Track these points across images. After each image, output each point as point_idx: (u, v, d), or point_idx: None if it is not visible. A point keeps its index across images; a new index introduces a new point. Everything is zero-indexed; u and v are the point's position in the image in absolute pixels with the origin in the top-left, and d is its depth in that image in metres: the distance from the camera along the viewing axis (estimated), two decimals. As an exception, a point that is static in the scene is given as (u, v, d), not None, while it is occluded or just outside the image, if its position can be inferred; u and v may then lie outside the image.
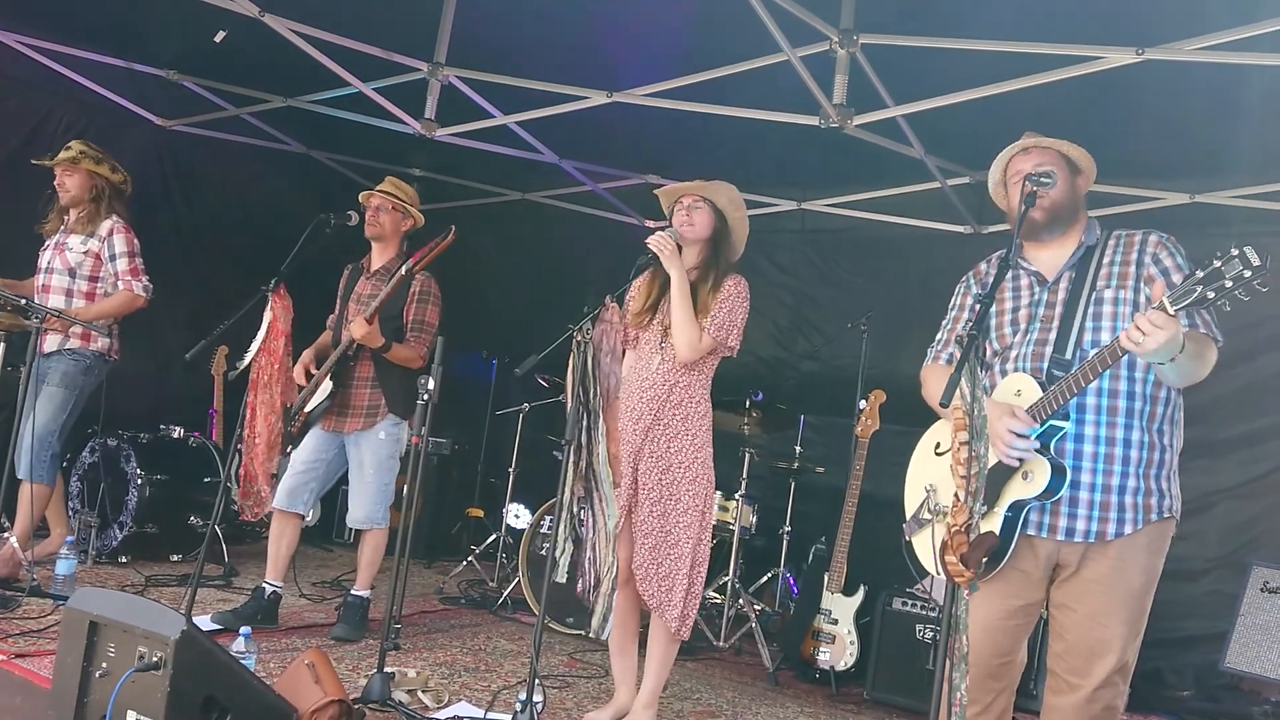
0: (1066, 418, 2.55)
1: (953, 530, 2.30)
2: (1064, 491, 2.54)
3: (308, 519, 6.51)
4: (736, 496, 5.27)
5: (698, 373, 3.64)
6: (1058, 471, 2.53)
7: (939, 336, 2.97)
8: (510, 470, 6.13)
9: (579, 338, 3.14)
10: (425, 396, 3.42)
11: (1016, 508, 2.59)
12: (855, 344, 5.68)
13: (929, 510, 2.80)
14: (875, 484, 4.98)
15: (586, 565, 3.22)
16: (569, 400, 3.13)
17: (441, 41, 5.00)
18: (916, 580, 4.61)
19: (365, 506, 4.39)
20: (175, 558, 5.39)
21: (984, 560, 2.30)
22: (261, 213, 6.90)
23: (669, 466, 3.54)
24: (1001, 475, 2.59)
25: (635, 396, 3.59)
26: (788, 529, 5.52)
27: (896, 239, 6.20)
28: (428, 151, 7.21)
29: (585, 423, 3.11)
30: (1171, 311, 2.24)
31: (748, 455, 5.39)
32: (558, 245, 7.48)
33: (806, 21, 3.97)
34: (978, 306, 2.35)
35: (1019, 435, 2.51)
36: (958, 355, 2.92)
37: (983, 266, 2.92)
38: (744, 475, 5.34)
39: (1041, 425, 2.52)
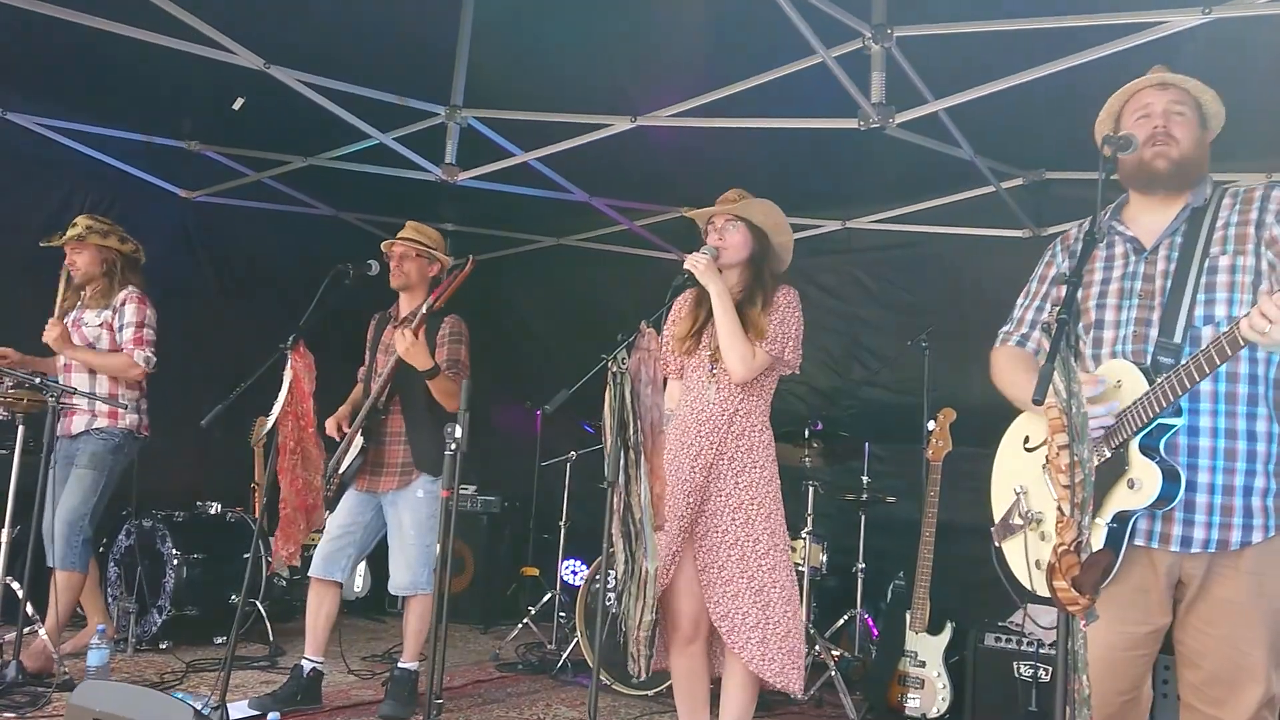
0: (1179, 414, 2.19)
1: (1060, 551, 1.96)
2: (1181, 495, 2.18)
3: (358, 589, 6.36)
4: (803, 534, 4.91)
5: (757, 397, 3.35)
6: (1170, 477, 2.16)
7: (1013, 315, 2.63)
8: (561, 524, 5.83)
9: (614, 369, 2.86)
10: (453, 446, 3.14)
11: (1121, 519, 2.23)
12: (916, 364, 5.36)
13: (1019, 515, 2.44)
14: (953, 511, 4.63)
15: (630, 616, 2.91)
16: (607, 439, 2.84)
17: (457, 83, 4.83)
18: (1015, 606, 4.20)
19: (408, 571, 4.12)
20: (219, 640, 5.15)
21: (1101, 584, 1.96)
22: (292, 279, 6.71)
23: (740, 504, 3.24)
24: (1104, 480, 2.23)
25: (692, 432, 3.30)
26: (862, 566, 5.16)
27: (948, 250, 5.86)
28: (458, 204, 7.10)
29: (625, 460, 2.81)
30: None
31: (811, 489, 5.05)
32: (597, 288, 7.24)
33: (837, 19, 3.72)
34: (1063, 287, 2.02)
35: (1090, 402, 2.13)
36: (1034, 340, 2.60)
37: (1073, 232, 2.55)
38: (809, 511, 4.99)
39: (1149, 424, 2.17)
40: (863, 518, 5.22)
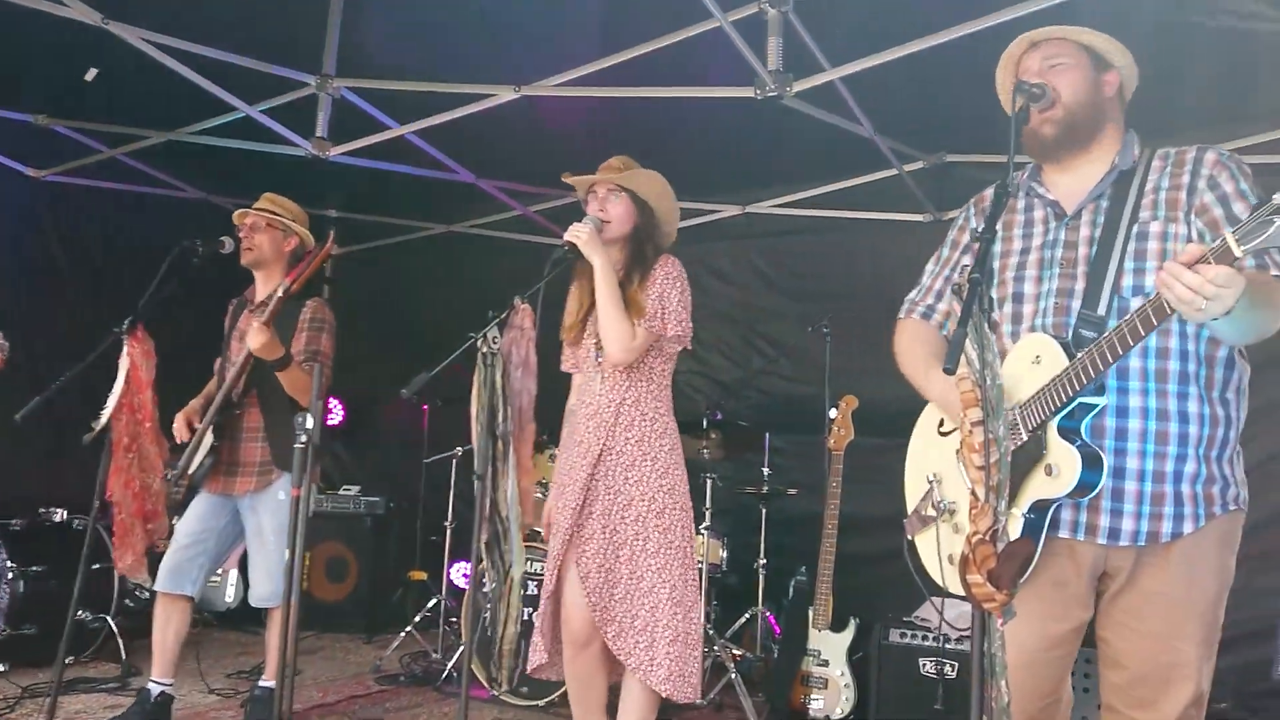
0: (1101, 392, 1.98)
1: (974, 540, 1.73)
2: (1104, 483, 1.98)
3: (229, 600, 5.90)
4: (702, 530, 4.67)
5: (647, 382, 3.08)
6: (1090, 463, 1.95)
7: (921, 281, 2.41)
8: (447, 525, 5.49)
9: (484, 349, 2.56)
10: (303, 439, 2.79)
11: (1039, 508, 2.02)
12: (817, 353, 5.19)
13: (933, 506, 2.23)
14: (856, 502, 4.47)
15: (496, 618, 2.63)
16: (474, 425, 2.54)
17: (329, 49, 4.46)
18: (922, 600, 4.03)
19: (269, 581, 3.73)
20: (71, 660, 4.67)
21: (1020, 578, 1.74)
22: (156, 268, 6.24)
23: (630, 501, 2.99)
24: (1021, 466, 2.02)
25: (582, 428, 3.06)
26: (763, 562, 4.94)
27: (849, 235, 5.70)
28: (342, 188, 6.69)
29: (493, 452, 2.52)
30: (1239, 254, 1.65)
31: (710, 483, 4.81)
32: (491, 278, 6.83)
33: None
34: (976, 245, 1.80)
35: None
36: (941, 311, 2.38)
37: (988, 193, 2.34)
38: (708, 506, 4.76)
39: (1068, 403, 1.96)
40: (763, 512, 5.01)
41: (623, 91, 4.08)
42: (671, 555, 3.01)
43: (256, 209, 3.97)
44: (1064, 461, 1.97)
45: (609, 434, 3.02)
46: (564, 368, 3.27)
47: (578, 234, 2.95)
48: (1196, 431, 2.01)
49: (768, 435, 5.14)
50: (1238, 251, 1.65)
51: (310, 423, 2.76)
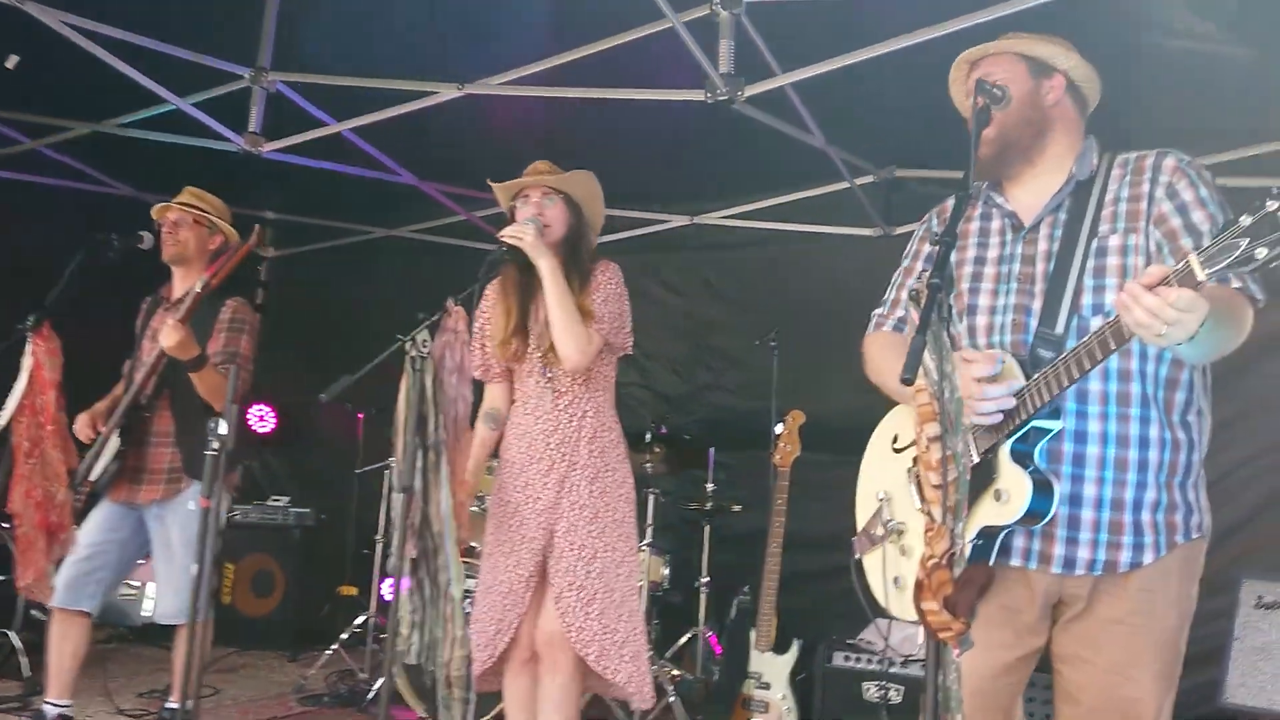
0: (1057, 415, 1.88)
1: (930, 565, 1.61)
2: (1057, 510, 1.87)
3: (145, 613, 5.60)
4: (643, 547, 4.53)
5: (604, 391, 3.03)
6: (1041, 490, 1.84)
7: (886, 295, 2.31)
8: (379, 538, 5.28)
9: (413, 352, 2.40)
10: (215, 445, 2.60)
11: (987, 535, 1.90)
12: (764, 367, 5.08)
13: (881, 525, 2.11)
14: (802, 520, 4.36)
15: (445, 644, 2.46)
16: (401, 435, 2.38)
17: (265, 41, 4.28)
18: (866, 621, 3.93)
19: (176, 596, 3.48)
20: (-31, 677, 4.39)
21: (977, 605, 1.62)
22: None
23: (596, 514, 2.91)
24: (970, 490, 1.90)
25: (540, 444, 2.94)
26: (705, 580, 4.80)
27: (799, 248, 5.63)
28: (280, 189, 6.48)
29: (424, 463, 2.36)
30: (1203, 278, 1.53)
31: (652, 498, 4.68)
32: (433, 285, 6.63)
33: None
34: (937, 249, 1.69)
35: (985, 383, 1.84)
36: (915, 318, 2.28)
37: (949, 202, 2.22)
38: (650, 522, 4.63)
39: (1022, 426, 1.86)
40: (707, 529, 4.88)
41: (570, 92, 3.95)
42: (632, 564, 3.00)
43: (179, 204, 3.77)
44: (1014, 487, 1.85)
45: (574, 449, 2.93)
46: (477, 374, 3.11)
47: (521, 234, 2.81)
48: (1158, 457, 1.91)
49: (712, 450, 5.03)
50: (1201, 275, 1.54)
51: (224, 428, 2.58)
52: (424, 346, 2.39)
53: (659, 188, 5.64)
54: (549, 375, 2.95)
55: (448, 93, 4.12)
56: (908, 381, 1.47)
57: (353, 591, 5.93)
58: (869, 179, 5.15)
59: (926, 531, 1.63)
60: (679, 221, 5.90)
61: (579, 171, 3.06)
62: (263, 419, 6.67)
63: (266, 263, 7.18)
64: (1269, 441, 4.18)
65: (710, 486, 4.94)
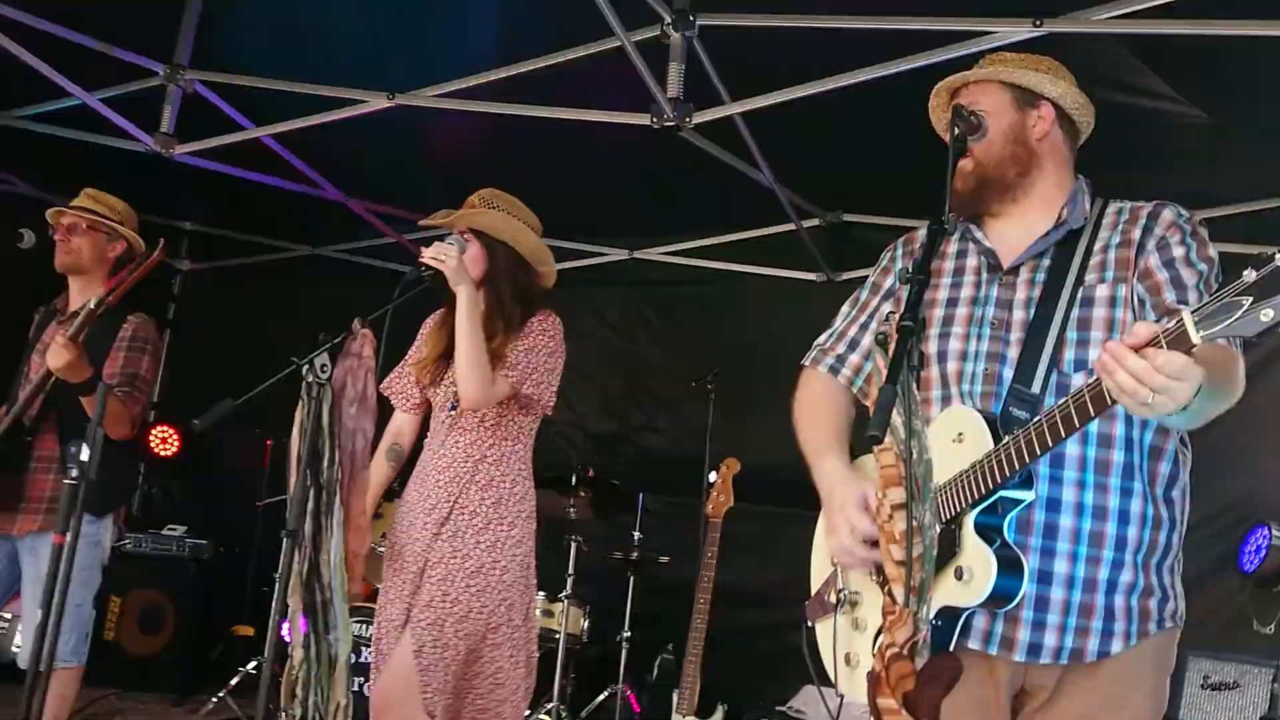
0: (1029, 484, 1.66)
1: (888, 653, 1.38)
2: (1025, 590, 1.66)
3: (16, 645, 5.16)
4: (562, 597, 4.27)
5: (513, 441, 2.76)
6: (1008, 569, 1.60)
7: (833, 326, 2.08)
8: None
9: (310, 378, 2.13)
10: (75, 472, 2.28)
11: (947, 616, 1.67)
12: (700, 411, 4.90)
13: (835, 592, 1.88)
14: (733, 574, 4.19)
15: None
16: (292, 472, 2.10)
17: (184, 38, 4.00)
18: (797, 686, 3.71)
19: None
20: None
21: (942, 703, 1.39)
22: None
23: (480, 568, 2.61)
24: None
25: (430, 481, 2.69)
26: (627, 635, 4.53)
27: (741, 290, 5.48)
28: (201, 200, 6.17)
29: (316, 504, 2.08)
30: (1197, 341, 1.34)
31: (574, 545, 4.41)
32: (358, 308, 6.39)
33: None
34: (908, 287, 1.47)
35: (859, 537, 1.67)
36: (852, 363, 2.04)
37: (919, 234, 1.97)
38: (570, 571, 4.35)
39: (989, 496, 1.64)
40: (632, 579, 4.62)
41: (507, 108, 3.73)
42: (514, 635, 2.68)
43: (76, 207, 3.45)
44: (978, 565, 1.62)
45: (463, 490, 2.65)
46: (394, 403, 2.87)
47: (442, 256, 2.55)
48: (1137, 534, 1.72)
49: (641, 496, 4.78)
50: (1196, 337, 1.34)
51: (85, 453, 2.26)
52: (323, 372, 2.12)
53: (600, 218, 5.45)
54: (455, 410, 2.70)
55: (377, 102, 3.87)
56: (876, 439, 1.25)
57: (249, 632, 5.53)
58: (815, 222, 5.02)
59: (886, 614, 1.41)
60: (618, 255, 5.72)
61: (501, 207, 2.82)
62: (165, 441, 6.26)
63: (181, 276, 6.80)
64: (1222, 504, 4.08)
65: (637, 535, 4.69)
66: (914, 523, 1.37)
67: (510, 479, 2.71)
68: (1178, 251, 1.74)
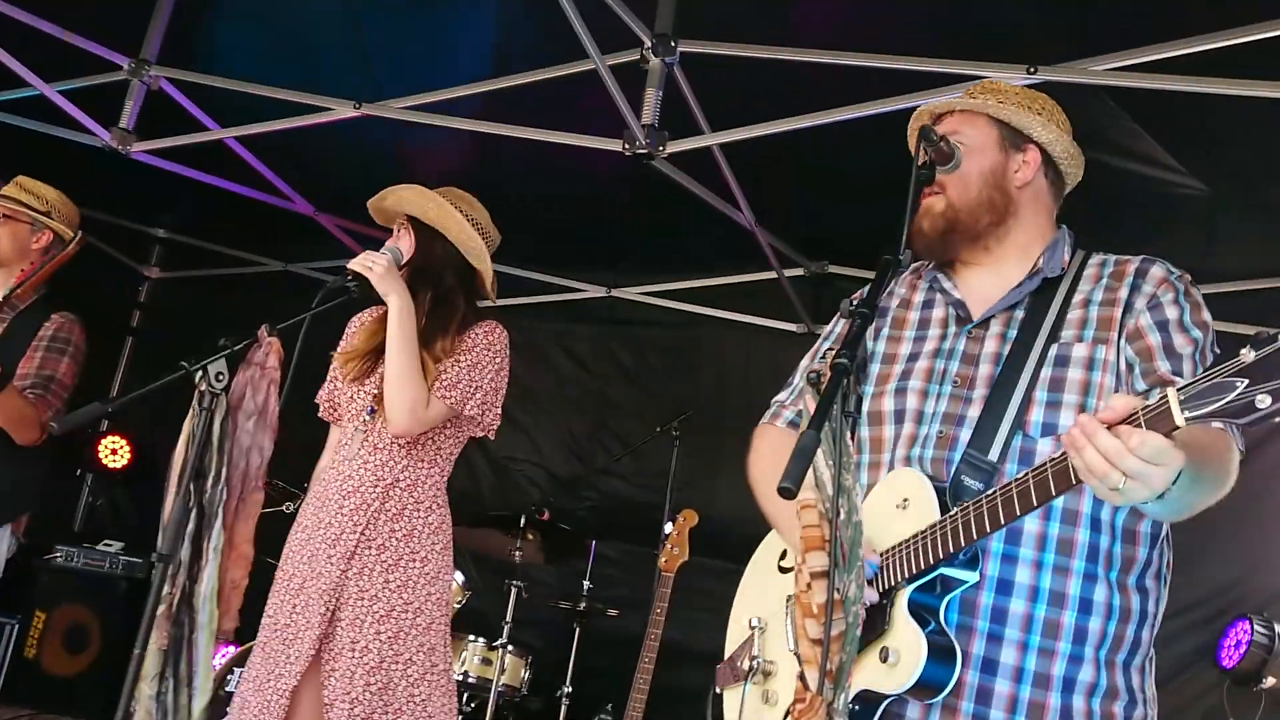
0: (974, 565, 1.47)
1: (794, 749, 1.17)
2: (964, 678, 1.45)
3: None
4: (500, 645, 4.01)
5: (430, 464, 2.51)
6: (939, 657, 1.42)
7: (792, 379, 1.90)
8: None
9: (203, 387, 1.93)
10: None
11: (868, 700, 1.46)
12: (664, 458, 4.69)
13: (749, 659, 1.67)
14: (684, 632, 3.97)
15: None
16: (172, 487, 1.89)
17: (153, 33, 3.84)
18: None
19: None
20: None
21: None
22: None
23: (391, 611, 2.36)
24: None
25: (333, 506, 2.41)
26: (568, 690, 4.28)
27: (717, 336, 5.30)
28: (175, 208, 6.03)
29: (196, 526, 1.87)
30: (1180, 423, 1.18)
31: (514, 591, 4.16)
32: (330, 328, 6.22)
33: (621, 20, 3.03)
34: (853, 323, 1.28)
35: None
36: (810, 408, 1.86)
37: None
38: (508, 619, 4.09)
39: (928, 571, 1.44)
40: (578, 630, 4.37)
41: (478, 125, 3.56)
42: (435, 683, 2.43)
43: (2, 196, 3.25)
44: (906, 648, 1.42)
45: (370, 522, 2.39)
46: (322, 414, 2.63)
47: (371, 264, 2.37)
48: (1100, 627, 1.51)
49: (594, 543, 4.55)
50: (1179, 419, 1.17)
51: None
52: (218, 381, 1.91)
53: (578, 253, 5.30)
54: (371, 418, 2.46)
55: (343, 111, 3.70)
56: (787, 492, 1.04)
57: (178, 656, 5.27)
58: (799, 271, 4.86)
59: (797, 701, 1.20)
60: (595, 292, 5.54)
61: (429, 197, 2.59)
62: (116, 452, 6.02)
63: (149, 283, 6.62)
64: (1201, 593, 3.89)
65: (587, 584, 4.44)
66: (835, 594, 1.16)
67: (425, 507, 2.47)
68: (1171, 313, 1.56)
